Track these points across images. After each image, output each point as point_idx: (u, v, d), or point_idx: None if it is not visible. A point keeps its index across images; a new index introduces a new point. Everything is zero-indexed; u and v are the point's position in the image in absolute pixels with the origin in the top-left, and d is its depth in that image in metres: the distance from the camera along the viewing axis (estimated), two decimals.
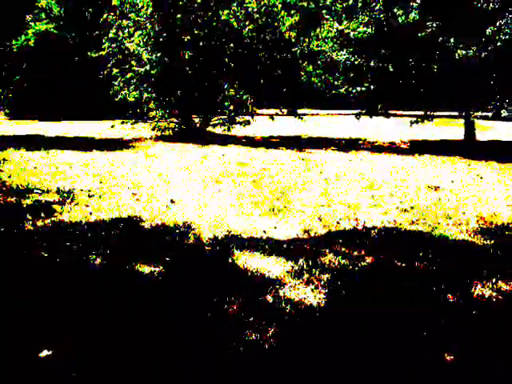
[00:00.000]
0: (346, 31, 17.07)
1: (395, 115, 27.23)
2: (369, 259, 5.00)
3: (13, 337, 3.44)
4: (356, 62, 17.29)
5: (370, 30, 16.53)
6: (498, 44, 14.71)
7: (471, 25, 15.08)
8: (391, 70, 16.41)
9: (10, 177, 9.22)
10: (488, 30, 14.73)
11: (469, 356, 3.31)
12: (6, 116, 31.53)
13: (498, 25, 14.75)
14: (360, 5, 16.78)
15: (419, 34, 15.34)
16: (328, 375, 3.09)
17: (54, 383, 3.01)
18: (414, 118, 18.42)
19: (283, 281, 4.43)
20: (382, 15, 16.14)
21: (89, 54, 20.60)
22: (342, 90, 18.61)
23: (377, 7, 16.24)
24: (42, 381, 3.03)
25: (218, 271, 4.68)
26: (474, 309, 3.94)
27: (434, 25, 15.20)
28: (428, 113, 18.28)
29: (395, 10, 15.84)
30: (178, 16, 18.17)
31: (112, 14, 19.46)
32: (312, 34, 20.18)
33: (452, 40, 14.92)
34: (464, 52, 14.50)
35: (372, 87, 17.27)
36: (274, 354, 3.29)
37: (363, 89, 17.46)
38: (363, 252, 5.20)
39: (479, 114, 17.94)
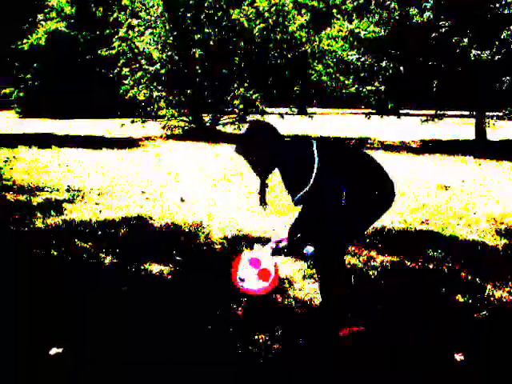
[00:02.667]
0: (357, 30, 16.99)
1: (406, 115, 27.15)
2: (379, 259, 4.99)
3: (23, 335, 3.46)
4: (367, 62, 17.23)
5: (381, 30, 16.47)
6: None
7: (486, 27, 15.01)
8: (403, 70, 16.33)
9: (20, 175, 9.27)
10: (503, 35, 14.67)
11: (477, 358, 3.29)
12: (18, 114, 31.67)
13: None
14: (373, 3, 16.68)
15: (433, 34, 15.26)
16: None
17: (63, 380, 3.03)
18: (425, 118, 18.33)
19: (292, 280, 4.43)
20: (395, 13, 16.06)
21: (99, 52, 20.61)
22: (353, 89, 18.53)
23: (391, 6, 16.15)
24: (52, 378, 3.04)
25: (227, 270, 4.68)
26: (484, 310, 3.91)
27: (447, 24, 15.13)
28: (439, 112, 18.18)
29: (410, 10, 15.75)
30: (189, 15, 18.18)
31: (122, 13, 19.50)
32: (322, 33, 20.16)
33: (466, 40, 14.85)
34: (478, 52, 14.42)
35: (383, 87, 17.20)
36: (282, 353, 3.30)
37: (374, 88, 17.39)
38: (373, 252, 5.19)
39: (491, 113, 17.85)
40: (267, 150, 3.39)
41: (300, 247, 3.57)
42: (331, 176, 3.30)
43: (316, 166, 3.25)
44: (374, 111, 18.77)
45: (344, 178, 3.35)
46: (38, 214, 6.38)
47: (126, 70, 19.26)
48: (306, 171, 3.26)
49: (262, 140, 3.39)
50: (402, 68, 16.36)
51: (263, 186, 3.60)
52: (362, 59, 17.19)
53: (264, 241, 5.50)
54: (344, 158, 3.46)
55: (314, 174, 3.24)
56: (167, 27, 18.36)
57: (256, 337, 3.45)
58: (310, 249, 3.56)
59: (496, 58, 14.58)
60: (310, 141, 3.38)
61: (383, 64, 16.67)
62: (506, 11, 15.02)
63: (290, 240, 3.51)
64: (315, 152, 3.29)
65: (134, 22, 18.86)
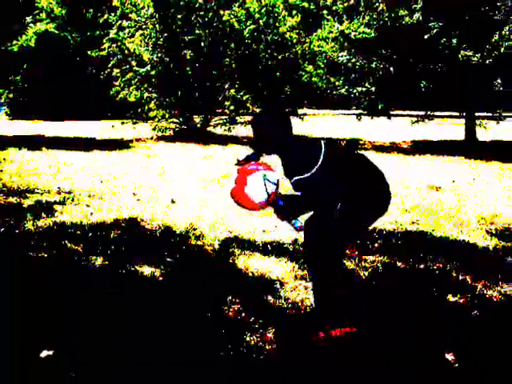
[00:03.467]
0: (347, 32, 17.04)
1: (396, 115, 27.23)
2: (370, 259, 5.00)
3: (14, 338, 3.44)
4: (357, 63, 17.28)
5: (371, 31, 16.52)
6: (502, 50, 14.79)
7: (477, 30, 15.11)
8: (393, 70, 16.40)
9: (10, 177, 9.22)
10: (494, 38, 14.81)
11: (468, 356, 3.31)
12: (7, 116, 31.55)
13: (504, 31, 14.83)
14: (362, 4, 16.74)
15: (424, 36, 15.32)
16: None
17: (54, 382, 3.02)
18: (415, 119, 18.41)
19: (284, 281, 4.43)
20: (385, 15, 16.13)
21: (89, 53, 20.58)
22: (343, 91, 18.60)
23: (379, 8, 16.22)
24: (42, 380, 3.03)
25: (218, 271, 4.68)
26: (475, 309, 3.93)
27: (437, 26, 15.20)
28: (429, 113, 18.27)
29: (400, 11, 15.83)
30: (179, 16, 18.17)
31: (113, 14, 19.47)
32: (313, 34, 20.20)
33: (455, 41, 14.93)
34: (467, 54, 14.52)
35: (373, 88, 17.27)
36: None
37: (364, 89, 17.45)
38: (364, 252, 5.20)
39: (481, 114, 18.01)
40: (271, 140, 3.43)
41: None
42: (331, 173, 3.33)
43: (319, 163, 3.28)
44: (364, 112, 18.80)
45: (342, 178, 3.40)
46: (29, 216, 6.35)
47: (116, 72, 19.22)
48: (308, 167, 3.29)
49: (267, 132, 3.43)
50: (391, 69, 16.43)
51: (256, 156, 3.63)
52: (353, 60, 17.24)
53: (252, 241, 5.51)
54: (346, 162, 3.51)
55: (316, 167, 3.26)
56: (158, 28, 18.35)
57: (248, 338, 3.45)
58: (298, 221, 3.51)
59: (487, 61, 14.67)
60: (319, 147, 3.38)
61: (373, 65, 16.73)
62: (496, 17, 15.16)
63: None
64: (321, 158, 3.31)
65: (125, 23, 18.84)
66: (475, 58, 14.53)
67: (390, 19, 16.08)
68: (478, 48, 14.89)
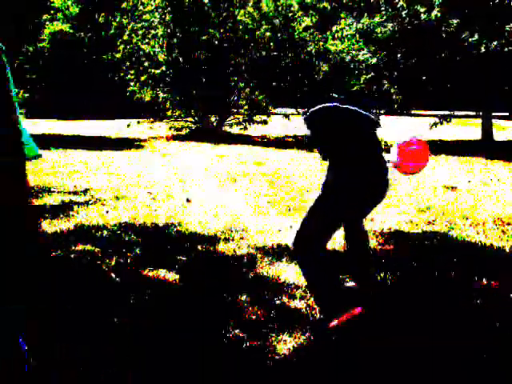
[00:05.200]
0: (365, 29, 16.99)
1: (412, 115, 27.13)
2: (384, 260, 4.98)
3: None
4: (376, 62, 17.21)
5: (389, 28, 16.45)
6: None
7: (492, 22, 14.96)
8: (412, 68, 16.32)
9: (27, 176, 9.28)
10: (507, 27, 14.63)
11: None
12: (23, 115, 31.77)
13: None
14: (382, 1, 16.68)
15: (443, 33, 15.23)
16: None
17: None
18: (433, 119, 18.24)
19: (298, 284, 4.42)
20: (403, 12, 16.05)
21: (105, 57, 20.76)
22: (355, 88, 18.53)
23: (399, 4, 16.14)
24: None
25: (231, 272, 4.68)
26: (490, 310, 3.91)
27: (455, 22, 15.09)
28: (447, 113, 18.08)
29: (418, 8, 15.74)
30: (192, 17, 18.19)
31: (125, 16, 19.53)
32: (329, 33, 20.12)
33: (476, 36, 14.79)
34: (487, 46, 14.38)
35: (391, 86, 17.19)
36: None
37: (386, 88, 17.37)
38: (378, 253, 5.18)
39: (498, 114, 17.89)
40: None
41: None
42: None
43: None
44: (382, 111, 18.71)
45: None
46: (44, 215, 6.39)
47: (131, 73, 19.32)
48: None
49: None
50: (411, 66, 16.36)
51: None
52: (374, 59, 17.17)
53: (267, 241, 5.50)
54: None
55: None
56: (170, 30, 18.40)
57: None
58: None
59: (506, 49, 14.50)
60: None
61: (393, 63, 16.67)
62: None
63: None
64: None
65: (138, 25, 18.89)
66: (492, 46, 14.37)
67: (408, 16, 15.99)
68: (496, 38, 14.72)
